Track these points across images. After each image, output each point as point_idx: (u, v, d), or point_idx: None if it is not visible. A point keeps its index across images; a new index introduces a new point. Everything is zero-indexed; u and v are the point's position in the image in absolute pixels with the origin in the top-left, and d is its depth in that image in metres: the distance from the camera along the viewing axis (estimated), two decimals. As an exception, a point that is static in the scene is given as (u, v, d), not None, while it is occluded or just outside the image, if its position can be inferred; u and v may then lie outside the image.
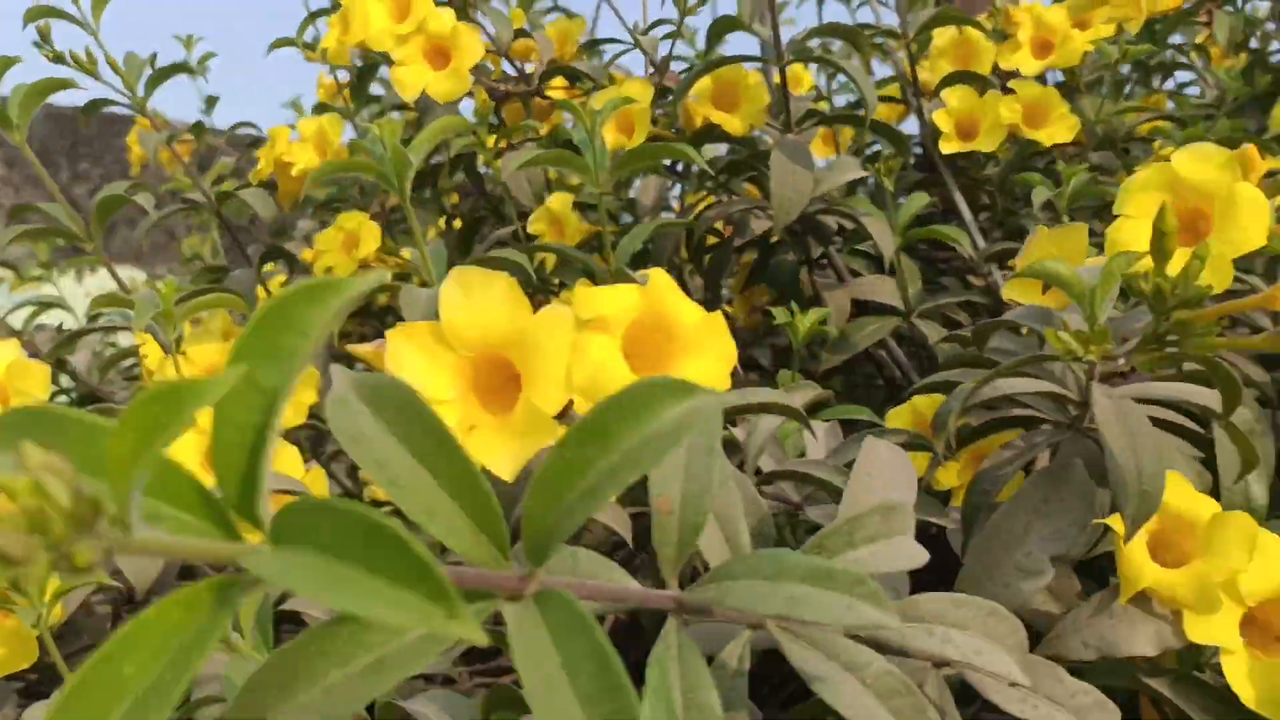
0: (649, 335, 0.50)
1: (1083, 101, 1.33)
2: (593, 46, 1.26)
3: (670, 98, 1.09)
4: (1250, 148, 0.65)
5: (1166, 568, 0.65)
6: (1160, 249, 0.52)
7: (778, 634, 0.48)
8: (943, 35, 1.31)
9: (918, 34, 1.23)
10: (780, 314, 1.06)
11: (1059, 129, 1.20)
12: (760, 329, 1.38)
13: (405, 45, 1.04)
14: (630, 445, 0.35)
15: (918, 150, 1.36)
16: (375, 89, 1.58)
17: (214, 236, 2.03)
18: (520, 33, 1.18)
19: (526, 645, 0.33)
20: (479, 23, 1.19)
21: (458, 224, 1.43)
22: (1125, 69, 1.61)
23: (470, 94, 1.23)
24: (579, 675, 0.32)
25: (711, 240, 1.26)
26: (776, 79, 1.05)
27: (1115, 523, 0.63)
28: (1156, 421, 0.74)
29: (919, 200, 1.12)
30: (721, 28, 1.03)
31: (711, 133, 1.09)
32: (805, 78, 1.66)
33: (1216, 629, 0.63)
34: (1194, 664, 0.66)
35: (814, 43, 1.09)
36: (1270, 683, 0.62)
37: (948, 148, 1.21)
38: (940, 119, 1.21)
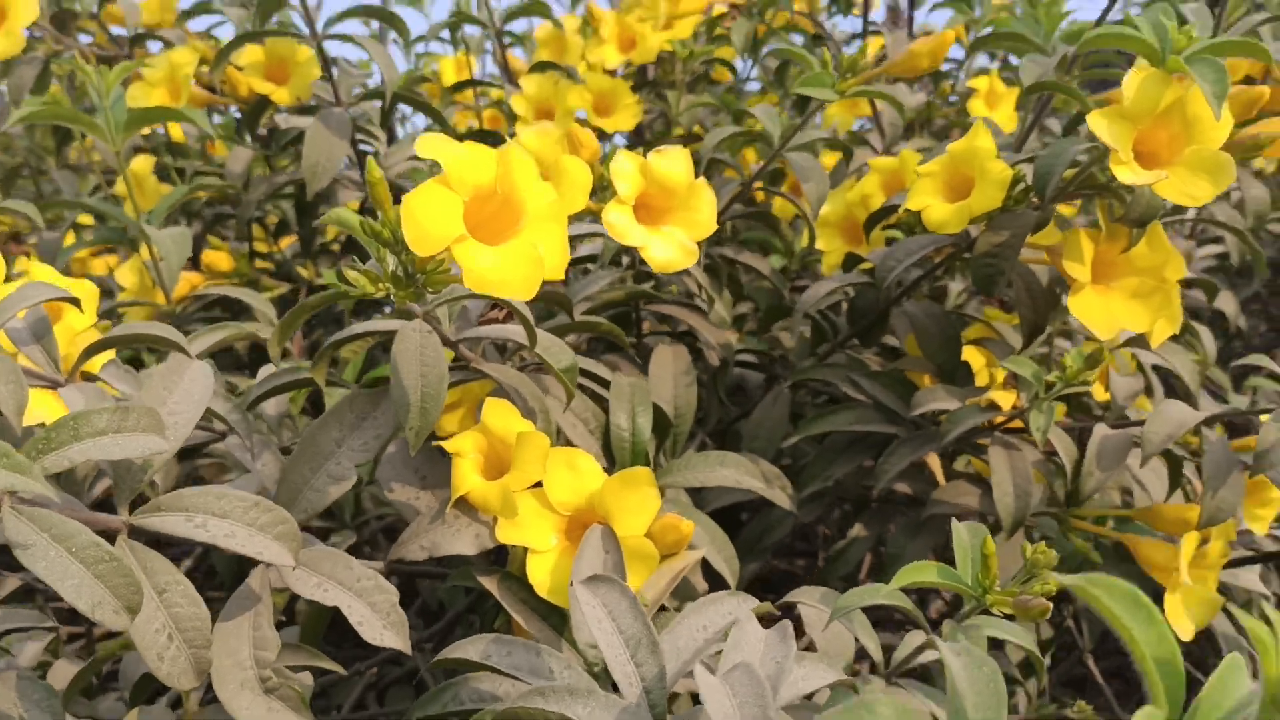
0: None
1: (670, 95, 1.47)
2: (186, 17, 1.31)
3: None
4: (575, 127, 0.77)
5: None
6: (377, 195, 0.63)
7: (5, 511, 0.56)
8: (543, 30, 1.44)
9: (505, 22, 1.34)
10: (329, 276, 1.15)
11: (623, 117, 1.33)
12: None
13: (-49, 3, 1.07)
14: None
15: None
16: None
17: None
18: (107, -1, 1.23)
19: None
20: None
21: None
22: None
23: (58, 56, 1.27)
24: None
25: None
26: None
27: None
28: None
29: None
30: (269, 6, 1.10)
31: (268, 102, 1.17)
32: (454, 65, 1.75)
33: (522, 532, 0.75)
34: (521, 563, 0.78)
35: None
36: (559, 577, 0.74)
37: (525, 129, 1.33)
38: (517, 103, 1.33)
